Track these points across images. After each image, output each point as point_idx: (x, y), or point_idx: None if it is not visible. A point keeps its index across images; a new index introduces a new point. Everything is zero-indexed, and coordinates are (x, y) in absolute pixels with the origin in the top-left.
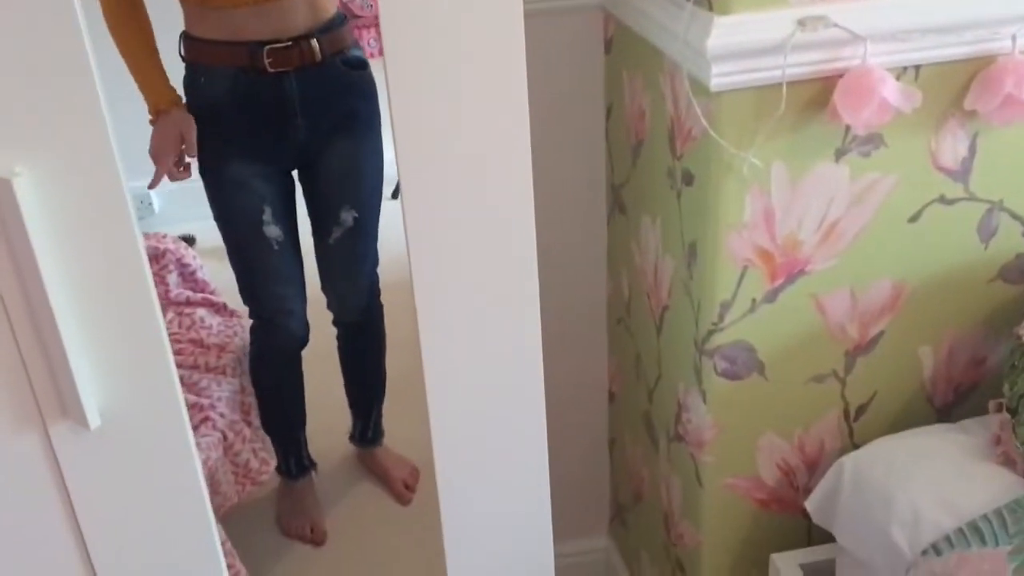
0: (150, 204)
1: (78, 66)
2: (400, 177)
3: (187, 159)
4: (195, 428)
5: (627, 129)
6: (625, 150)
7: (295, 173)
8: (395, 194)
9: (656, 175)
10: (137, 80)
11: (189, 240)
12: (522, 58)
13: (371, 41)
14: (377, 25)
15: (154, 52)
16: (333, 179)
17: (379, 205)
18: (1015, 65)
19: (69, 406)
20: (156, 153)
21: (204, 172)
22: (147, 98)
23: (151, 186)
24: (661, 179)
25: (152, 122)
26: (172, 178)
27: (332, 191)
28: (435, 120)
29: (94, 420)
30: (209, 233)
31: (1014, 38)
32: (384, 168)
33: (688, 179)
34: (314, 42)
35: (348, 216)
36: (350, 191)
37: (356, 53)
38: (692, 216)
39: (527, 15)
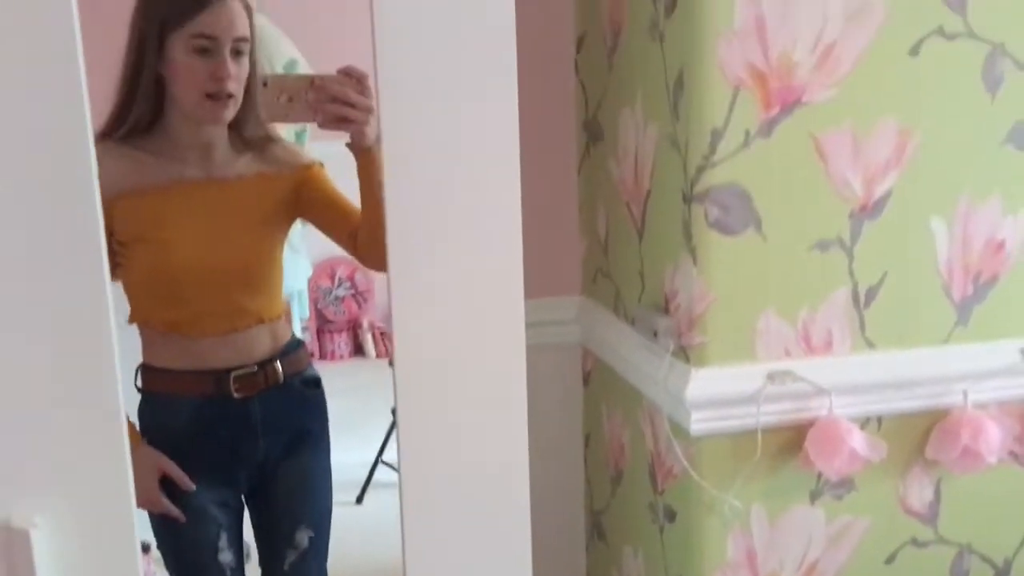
0: None
1: (108, 415)
2: (401, 493)
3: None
4: None
5: (606, 459)
6: (604, 479)
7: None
8: (359, 499)
9: (637, 507)
10: None
11: (144, 548)
12: (523, 389)
13: (341, 344)
14: (348, 329)
15: None
16: (288, 499)
17: (329, 526)
18: (968, 419)
19: None
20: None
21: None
22: None
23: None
24: (643, 511)
25: None
26: (170, 513)
27: (287, 511)
28: (435, 444)
29: None
30: None
31: (965, 394)
32: (333, 483)
33: (670, 515)
34: (277, 364)
35: (304, 536)
36: (307, 510)
37: (312, 373)
38: (676, 553)
39: None
